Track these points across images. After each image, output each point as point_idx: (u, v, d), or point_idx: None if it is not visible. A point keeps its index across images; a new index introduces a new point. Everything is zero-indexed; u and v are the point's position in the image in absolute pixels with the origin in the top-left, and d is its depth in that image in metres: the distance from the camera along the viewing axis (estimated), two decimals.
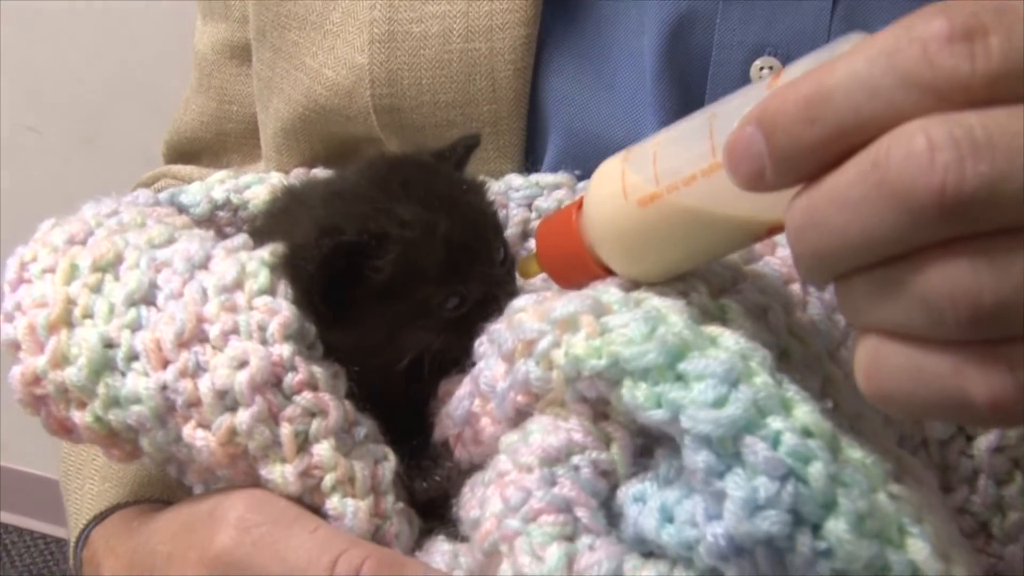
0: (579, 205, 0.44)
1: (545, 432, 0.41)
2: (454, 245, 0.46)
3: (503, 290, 0.48)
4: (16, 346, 0.45)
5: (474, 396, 0.45)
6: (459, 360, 0.46)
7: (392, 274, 0.46)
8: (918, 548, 0.37)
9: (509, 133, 0.56)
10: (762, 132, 0.32)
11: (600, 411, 0.41)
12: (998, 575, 0.48)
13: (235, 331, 0.44)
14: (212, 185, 0.56)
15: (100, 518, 0.53)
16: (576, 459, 0.41)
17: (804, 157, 0.31)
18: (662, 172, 0.39)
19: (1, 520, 1.93)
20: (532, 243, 0.53)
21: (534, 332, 0.42)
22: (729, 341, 0.39)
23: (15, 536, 1.92)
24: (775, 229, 0.38)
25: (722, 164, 0.35)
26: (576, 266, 0.44)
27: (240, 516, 0.42)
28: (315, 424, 0.44)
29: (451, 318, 0.47)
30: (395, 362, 0.47)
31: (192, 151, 0.72)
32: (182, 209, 0.55)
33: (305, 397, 0.44)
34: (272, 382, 0.44)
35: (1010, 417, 0.30)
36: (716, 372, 0.37)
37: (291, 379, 0.44)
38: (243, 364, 0.43)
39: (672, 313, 0.40)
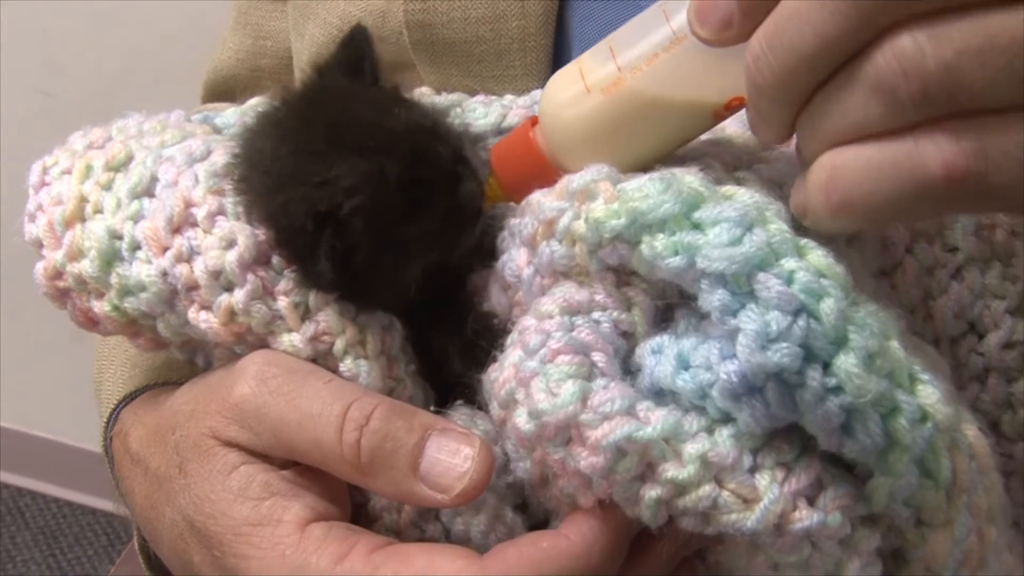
0: (533, 122, 0.45)
1: (569, 290, 0.42)
2: (407, 183, 0.43)
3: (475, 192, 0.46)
4: (39, 244, 0.47)
5: (504, 290, 0.46)
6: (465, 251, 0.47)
7: (365, 239, 0.43)
8: (928, 393, 0.37)
9: (536, 50, 0.57)
10: None
11: (623, 280, 0.42)
12: (1009, 472, 0.48)
13: (221, 212, 0.45)
14: (247, 110, 0.57)
15: (129, 399, 0.54)
16: (597, 315, 0.42)
17: None
18: (623, 61, 0.41)
19: (17, 484, 1.94)
20: None
21: (554, 210, 0.42)
22: (744, 196, 0.40)
23: (29, 499, 1.92)
24: (736, 104, 0.40)
25: (689, 22, 0.37)
26: (540, 183, 0.44)
27: (258, 369, 0.44)
28: (313, 294, 0.45)
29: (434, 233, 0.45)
30: (405, 294, 0.46)
31: (228, 89, 0.73)
32: (215, 131, 0.57)
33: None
34: (262, 260, 0.44)
35: (965, 187, 0.32)
36: (731, 217, 0.38)
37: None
38: (231, 244, 0.44)
39: (687, 175, 0.41)
